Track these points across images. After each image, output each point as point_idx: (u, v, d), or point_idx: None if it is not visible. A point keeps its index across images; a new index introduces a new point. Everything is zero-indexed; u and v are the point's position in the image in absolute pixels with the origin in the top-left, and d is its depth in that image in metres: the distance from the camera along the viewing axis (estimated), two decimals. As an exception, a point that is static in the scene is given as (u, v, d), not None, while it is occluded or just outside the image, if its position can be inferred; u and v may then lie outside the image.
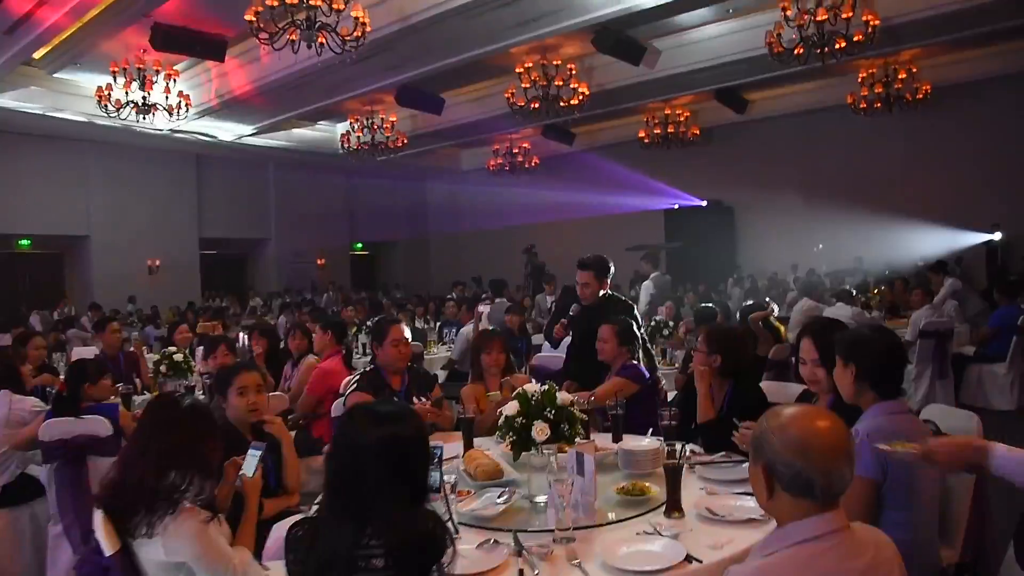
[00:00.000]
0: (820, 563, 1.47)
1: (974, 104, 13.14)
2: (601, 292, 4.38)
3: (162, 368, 5.13)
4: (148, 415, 2.32)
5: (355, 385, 3.62)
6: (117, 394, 4.50)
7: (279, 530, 2.59)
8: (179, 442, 2.17)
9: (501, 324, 7.34)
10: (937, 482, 2.32)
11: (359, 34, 7.88)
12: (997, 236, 13.57)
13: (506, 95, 11.35)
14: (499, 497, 2.49)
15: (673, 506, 2.34)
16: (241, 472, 2.54)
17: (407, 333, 3.78)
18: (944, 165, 13.87)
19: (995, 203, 13.29)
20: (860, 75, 11.77)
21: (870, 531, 1.59)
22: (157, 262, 17.19)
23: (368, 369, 3.79)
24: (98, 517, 2.11)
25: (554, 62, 11.00)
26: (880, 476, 2.17)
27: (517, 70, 10.97)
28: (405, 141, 14.13)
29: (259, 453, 2.57)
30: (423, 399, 3.66)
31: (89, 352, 6.04)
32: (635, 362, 3.84)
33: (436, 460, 2.10)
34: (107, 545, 2.08)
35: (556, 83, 10.95)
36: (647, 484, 2.54)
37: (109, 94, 10.04)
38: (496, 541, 2.16)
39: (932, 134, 13.76)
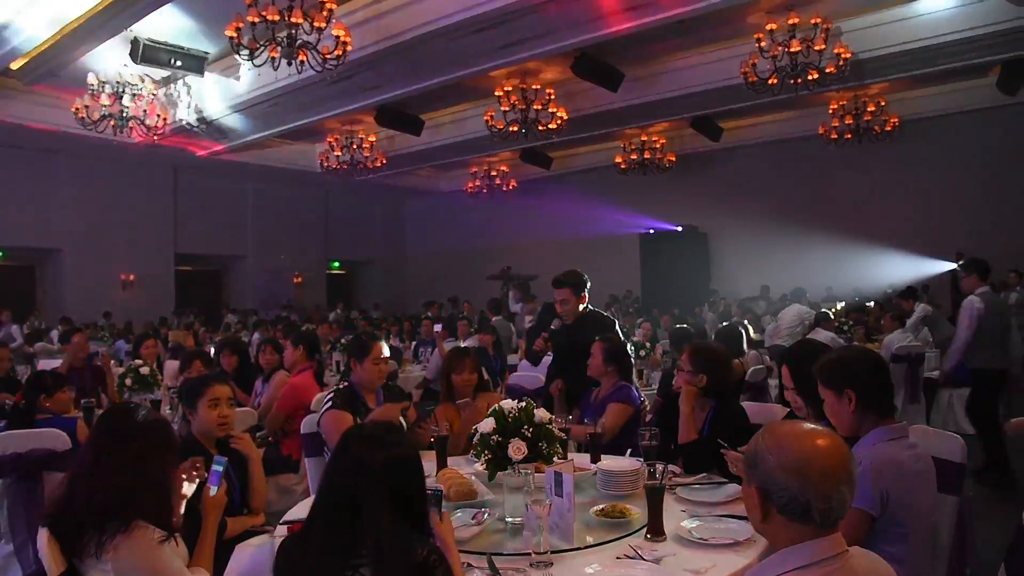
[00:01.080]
0: None
1: (939, 137, 13.49)
2: (581, 307, 4.32)
3: (128, 382, 4.98)
4: (101, 427, 2.19)
5: (330, 403, 3.49)
6: (79, 407, 4.34)
7: (242, 551, 2.48)
8: (134, 456, 2.04)
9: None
10: (932, 515, 2.20)
11: (340, 53, 7.85)
12: (961, 264, 13.80)
13: (485, 118, 11.40)
14: (473, 519, 2.40)
15: (655, 529, 2.27)
16: (206, 487, 2.42)
17: (387, 351, 3.68)
18: (911, 195, 14.21)
19: (959, 232, 13.58)
20: (831, 107, 12.00)
21: (868, 557, 1.51)
22: (131, 276, 16.88)
23: (343, 387, 3.65)
24: (43, 536, 1.98)
25: (533, 86, 11.07)
26: (878, 510, 2.04)
27: (497, 93, 11.02)
28: (384, 161, 14.09)
29: (222, 467, 2.46)
30: (401, 418, 3.57)
31: (55, 365, 5.85)
32: (625, 383, 3.76)
33: (434, 500, 2.00)
34: (51, 567, 1.96)
35: (535, 107, 11.00)
36: (627, 506, 2.47)
37: (87, 107, 9.88)
38: (470, 565, 2.08)
39: (900, 165, 14.11)
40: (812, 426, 1.52)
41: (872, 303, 10.37)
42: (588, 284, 4.36)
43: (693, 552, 2.16)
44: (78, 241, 15.82)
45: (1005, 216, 13.09)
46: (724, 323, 7.73)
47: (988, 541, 2.73)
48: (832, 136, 12.10)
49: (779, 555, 1.46)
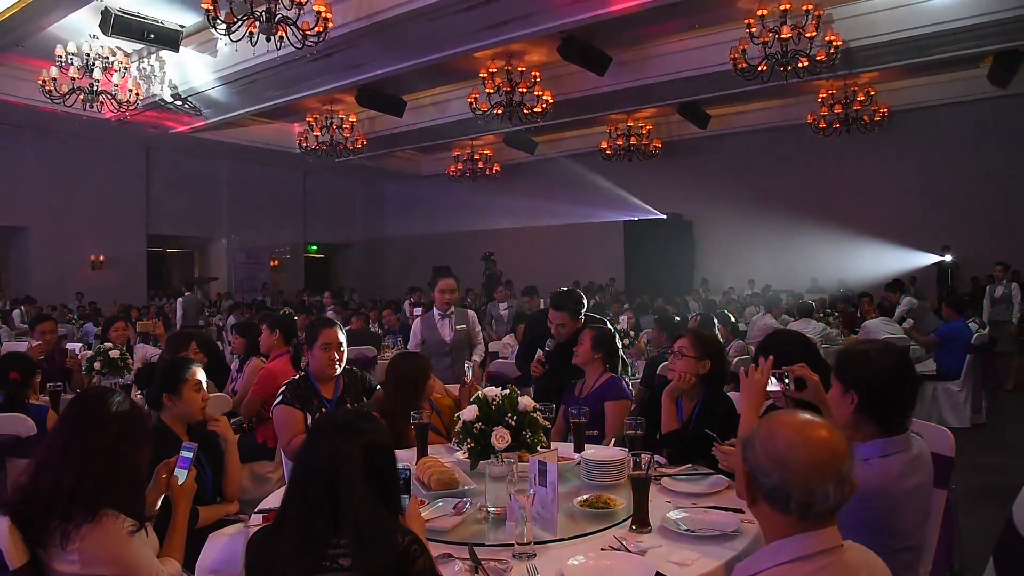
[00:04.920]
0: None
1: (928, 128, 13.58)
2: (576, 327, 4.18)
3: (96, 365, 4.82)
4: (73, 411, 2.09)
5: (280, 397, 3.34)
6: (44, 392, 4.22)
7: (215, 540, 2.41)
8: (104, 442, 1.97)
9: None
10: (921, 527, 2.11)
11: (320, 29, 7.73)
12: (948, 257, 14.01)
13: (469, 100, 11.27)
14: (454, 508, 2.35)
15: (640, 520, 2.23)
16: (176, 472, 2.32)
17: (341, 337, 3.47)
18: (898, 187, 14.31)
19: (946, 225, 13.76)
20: (820, 95, 12.02)
21: (861, 551, 1.48)
22: (101, 257, 16.57)
23: (296, 378, 3.48)
24: (3, 525, 1.89)
25: (519, 68, 10.96)
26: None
27: (481, 75, 10.89)
28: (364, 143, 13.93)
29: (191, 453, 2.36)
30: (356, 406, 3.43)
31: (19, 349, 5.68)
32: (614, 375, 3.70)
33: (402, 482, 1.95)
34: (12, 557, 1.87)
35: (520, 89, 10.89)
36: (612, 496, 2.43)
37: (54, 79, 9.59)
38: (450, 556, 2.03)
39: (888, 156, 14.19)
40: (812, 418, 1.47)
41: (863, 297, 10.50)
42: (585, 305, 4.27)
43: (678, 543, 2.13)
44: (45, 219, 15.47)
45: (993, 209, 13.24)
46: (698, 313, 7.72)
47: (976, 535, 2.70)
48: (821, 125, 12.12)
49: (771, 548, 1.44)
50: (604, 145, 14.55)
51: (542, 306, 7.70)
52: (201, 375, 2.89)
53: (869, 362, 2.08)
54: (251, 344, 5.19)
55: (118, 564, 1.90)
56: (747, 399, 2.34)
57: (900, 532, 1.98)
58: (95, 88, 9.68)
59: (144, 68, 11.48)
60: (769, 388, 2.35)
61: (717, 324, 6.08)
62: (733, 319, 7.52)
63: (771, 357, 2.46)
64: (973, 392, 6.96)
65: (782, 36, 8.42)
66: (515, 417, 2.55)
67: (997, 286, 9.15)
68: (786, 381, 2.38)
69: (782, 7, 8.36)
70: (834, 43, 8.76)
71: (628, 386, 3.72)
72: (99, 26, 9.18)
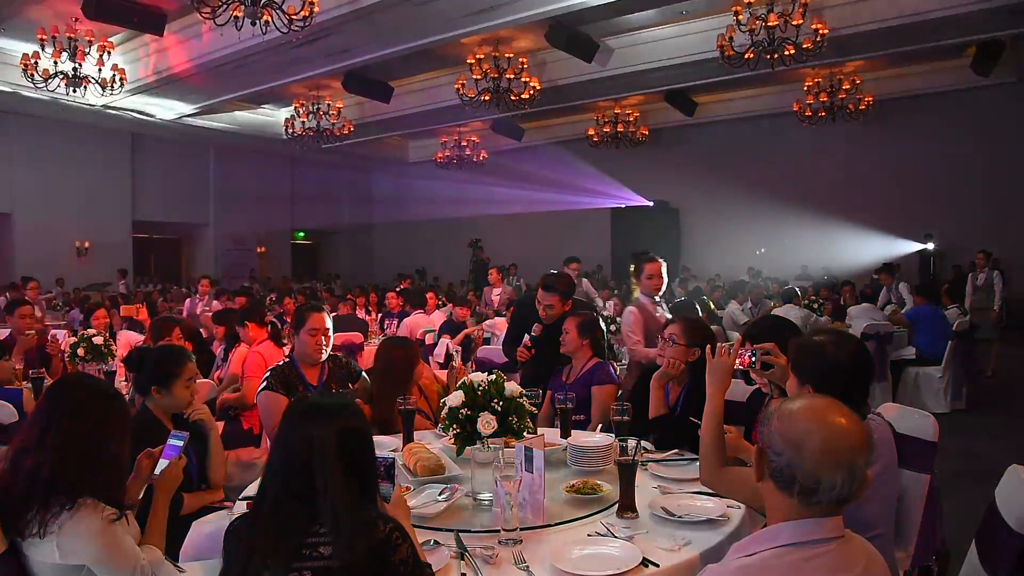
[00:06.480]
0: (805, 570, 1.36)
1: (912, 117, 13.68)
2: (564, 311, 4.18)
3: (79, 351, 4.77)
4: (52, 397, 2.05)
5: (265, 383, 3.32)
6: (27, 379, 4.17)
7: (200, 527, 2.38)
8: (84, 430, 1.93)
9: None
10: (889, 510, 2.12)
11: (306, 14, 7.67)
12: (931, 245, 14.15)
13: (456, 86, 11.21)
14: (440, 494, 2.34)
15: (627, 506, 2.23)
16: (161, 460, 2.29)
17: (328, 323, 3.45)
18: (882, 175, 14.40)
19: (929, 213, 13.87)
20: (806, 83, 12.05)
21: (862, 544, 1.47)
22: (87, 244, 16.41)
23: (281, 363, 3.46)
24: None
25: (506, 55, 10.91)
26: None
27: (468, 61, 10.85)
28: (351, 129, 13.84)
29: (182, 442, 2.33)
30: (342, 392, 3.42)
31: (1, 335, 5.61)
32: (601, 361, 3.70)
33: (384, 469, 1.91)
34: (-10, 546, 1.84)
35: (507, 76, 10.85)
36: (598, 482, 2.43)
37: (36, 63, 9.44)
38: (436, 542, 2.02)
39: (872, 145, 14.29)
40: (839, 406, 1.42)
41: (844, 285, 10.66)
42: (575, 288, 4.24)
43: (665, 529, 2.13)
44: (29, 205, 15.31)
45: (976, 197, 13.37)
46: (682, 298, 7.79)
47: (958, 518, 2.73)
48: (807, 113, 12.17)
49: (770, 530, 1.43)
50: (591, 132, 14.55)
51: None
52: (194, 370, 2.85)
53: (823, 355, 2.07)
54: (231, 331, 5.19)
55: (98, 553, 1.87)
56: (711, 381, 2.32)
57: (866, 523, 1.95)
58: (78, 72, 9.55)
59: (128, 52, 11.32)
60: (736, 365, 2.35)
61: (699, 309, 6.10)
62: (712, 305, 7.59)
63: (739, 336, 2.46)
64: (954, 378, 7.05)
65: (769, 24, 8.46)
66: (501, 403, 2.54)
67: (979, 274, 9.25)
68: (752, 360, 2.37)
69: (769, -5, 8.37)
70: (820, 31, 8.79)
71: (616, 371, 3.72)
72: (82, 9, 9.05)
